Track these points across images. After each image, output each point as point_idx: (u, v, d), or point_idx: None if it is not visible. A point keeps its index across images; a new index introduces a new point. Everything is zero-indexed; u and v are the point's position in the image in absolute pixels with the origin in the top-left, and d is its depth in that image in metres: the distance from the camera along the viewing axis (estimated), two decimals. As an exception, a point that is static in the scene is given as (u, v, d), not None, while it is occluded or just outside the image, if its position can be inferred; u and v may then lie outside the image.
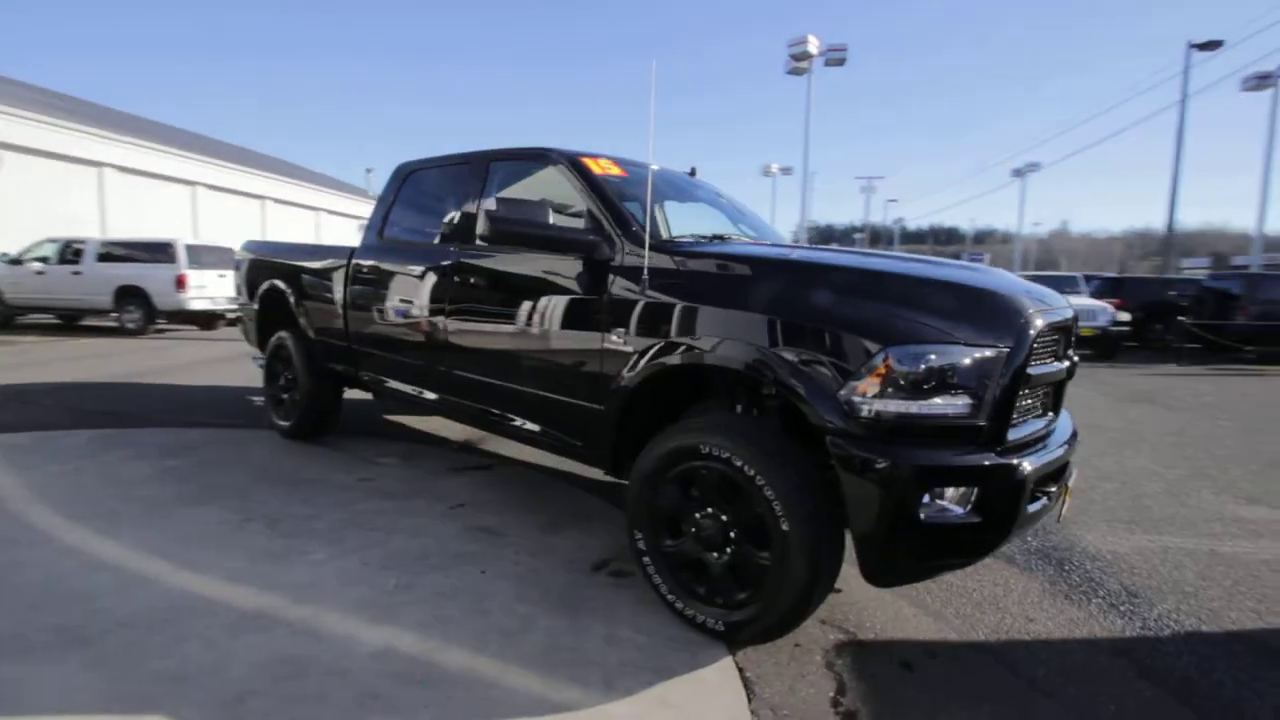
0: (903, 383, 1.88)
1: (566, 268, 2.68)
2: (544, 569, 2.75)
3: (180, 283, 11.92)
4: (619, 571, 2.76)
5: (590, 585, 2.65)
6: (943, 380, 1.88)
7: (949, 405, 1.89)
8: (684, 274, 2.38)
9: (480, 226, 2.56)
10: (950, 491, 1.89)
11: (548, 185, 3.06)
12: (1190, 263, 38.91)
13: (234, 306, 12.99)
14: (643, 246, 2.52)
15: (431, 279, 3.33)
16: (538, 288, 2.78)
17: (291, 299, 4.43)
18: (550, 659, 2.12)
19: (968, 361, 1.90)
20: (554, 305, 2.73)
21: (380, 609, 2.37)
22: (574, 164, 2.87)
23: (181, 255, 12.03)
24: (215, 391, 6.46)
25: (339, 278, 4.00)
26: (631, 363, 2.41)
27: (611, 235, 2.61)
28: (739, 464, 2.10)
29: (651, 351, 2.34)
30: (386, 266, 3.69)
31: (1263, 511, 3.79)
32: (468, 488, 3.74)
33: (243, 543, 2.88)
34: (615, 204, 2.69)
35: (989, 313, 1.99)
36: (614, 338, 2.47)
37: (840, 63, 19.18)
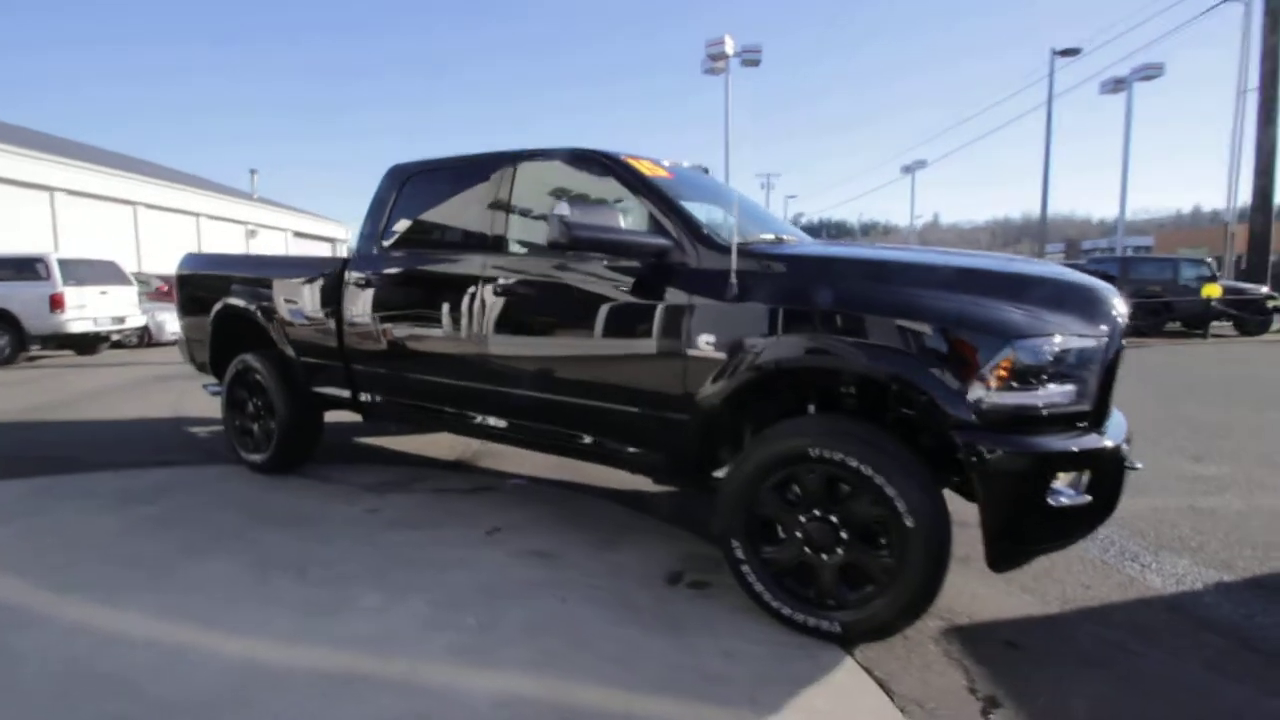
0: (1025, 375, 1.96)
1: (633, 274, 2.58)
2: (622, 589, 2.66)
3: (55, 303, 10.51)
4: (697, 583, 2.72)
5: (675, 600, 2.58)
6: (1057, 370, 1.99)
7: (1062, 394, 2.00)
8: (775, 276, 2.36)
9: (553, 232, 2.42)
10: (1065, 475, 2.00)
11: (579, 186, 2.95)
12: (1050, 248, 43.37)
13: (125, 326, 11.65)
14: (714, 249, 2.48)
15: (462, 289, 3.11)
16: (602, 296, 2.67)
17: (262, 317, 4.01)
18: (679, 682, 2.05)
19: (1077, 351, 2.01)
20: (622, 313, 2.63)
21: (477, 652, 2.20)
22: (625, 166, 2.77)
23: (55, 271, 10.60)
24: (143, 425, 5.74)
25: (329, 292, 3.66)
26: (723, 369, 2.37)
27: (680, 239, 2.54)
28: (855, 465, 2.12)
29: (750, 357, 2.31)
30: (396, 278, 3.42)
31: (1213, 468, 4.29)
32: (491, 510, 3.54)
33: (279, 596, 2.58)
34: (678, 206, 2.62)
35: (1088, 304, 2.11)
36: (702, 345, 2.41)
37: (755, 63, 19.85)
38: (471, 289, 3.08)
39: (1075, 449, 1.97)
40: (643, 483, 3.93)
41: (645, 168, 2.81)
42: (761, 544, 2.36)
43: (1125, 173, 21.76)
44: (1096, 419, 2.07)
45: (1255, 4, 14.03)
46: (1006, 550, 2.04)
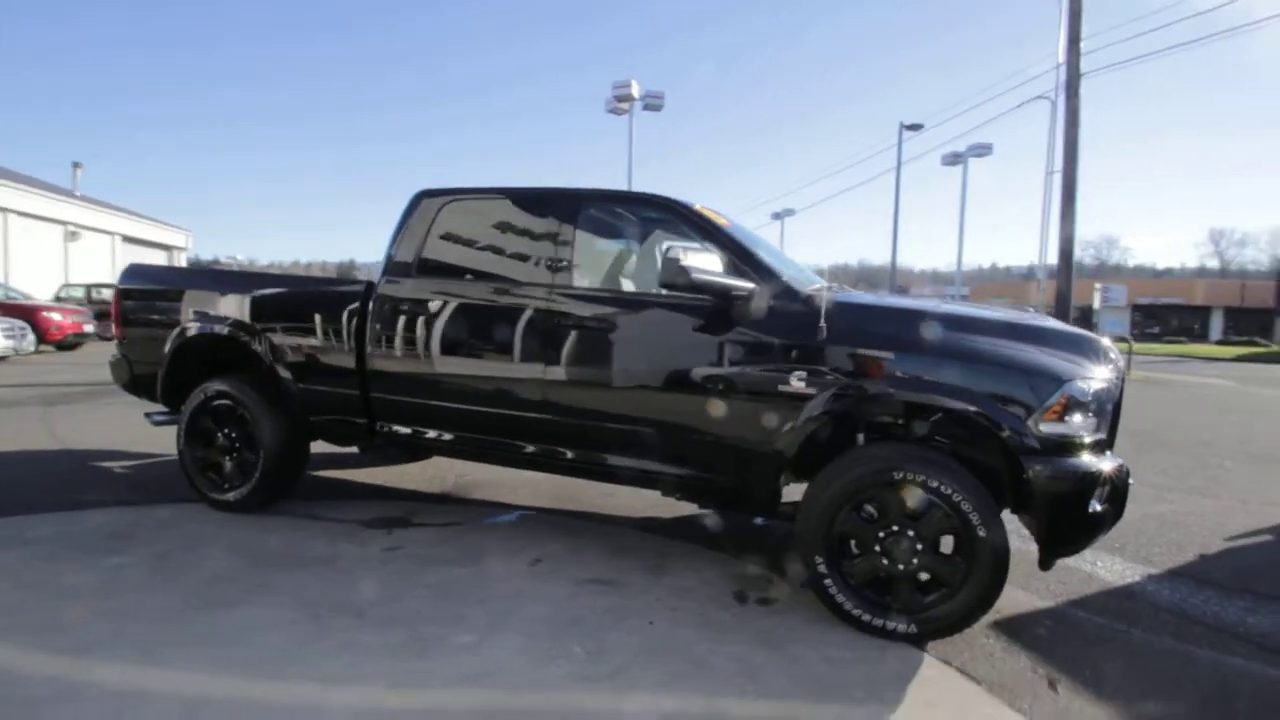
0: (1071, 410, 2.43)
1: (721, 315, 2.79)
2: (699, 610, 2.79)
3: None
4: (762, 600, 2.92)
5: (752, 617, 2.77)
6: (1090, 406, 2.48)
7: (1092, 425, 2.49)
8: (860, 322, 2.68)
9: (670, 274, 2.56)
10: (1099, 489, 2.48)
11: (645, 231, 3.12)
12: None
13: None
14: (792, 294, 2.77)
15: (528, 323, 3.12)
16: (693, 335, 2.85)
17: (255, 340, 3.67)
18: (805, 690, 2.24)
19: (1103, 391, 2.52)
20: (712, 351, 2.81)
21: (604, 679, 2.24)
22: (700, 215, 3.00)
23: None
24: (28, 460, 4.87)
25: (350, 317, 3.47)
26: (815, 405, 2.63)
27: (762, 284, 2.80)
28: (935, 485, 2.47)
29: (841, 392, 2.60)
30: (445, 307, 3.33)
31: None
32: (515, 542, 3.50)
33: (351, 641, 2.43)
34: (756, 255, 2.88)
35: (1104, 353, 2.64)
36: (793, 381, 2.66)
37: (658, 108, 20.85)
38: (540, 322, 3.10)
39: (1106, 468, 2.46)
40: (650, 509, 4.09)
41: (715, 217, 3.04)
42: (841, 559, 2.63)
43: (961, 233, 26.05)
44: (1110, 445, 2.60)
45: (1060, 102, 17.08)
46: (1057, 551, 2.49)
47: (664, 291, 2.83)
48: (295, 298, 3.71)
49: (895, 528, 2.56)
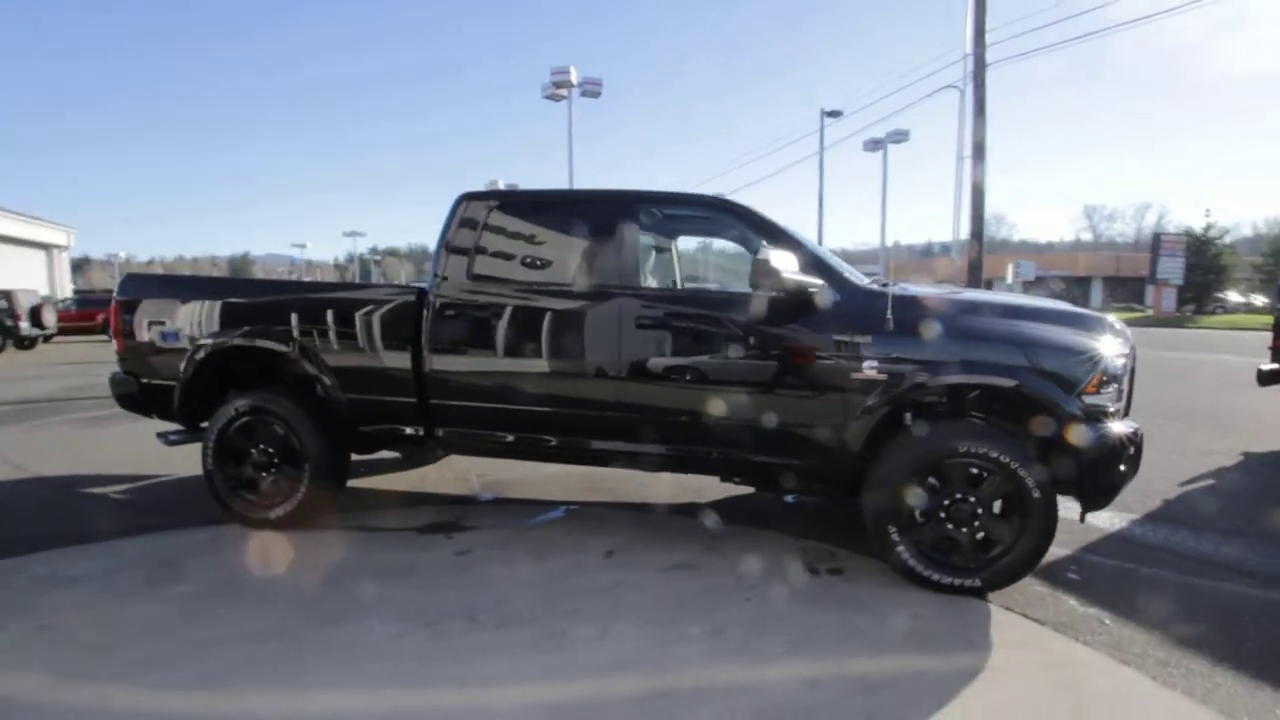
0: (1105, 383, 2.82)
1: (795, 310, 3.00)
2: (783, 584, 3.03)
3: None
4: (833, 570, 3.19)
5: (832, 585, 3.03)
6: (1117, 379, 2.88)
7: (1117, 395, 2.89)
8: (921, 314, 2.96)
9: (760, 275, 2.75)
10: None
11: (704, 231, 3.27)
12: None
13: None
14: (857, 289, 3.03)
15: (600, 322, 3.23)
16: (770, 330, 3.05)
17: (298, 350, 3.57)
18: (913, 644, 2.52)
19: (1124, 366, 2.92)
20: (790, 345, 3.03)
21: (734, 654, 2.44)
22: (760, 216, 3.19)
23: None
24: (3, 491, 4.46)
25: (406, 322, 3.44)
26: (885, 389, 2.90)
27: (829, 282, 3.04)
28: (996, 455, 2.80)
29: (914, 378, 2.88)
30: (505, 309, 3.37)
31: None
32: (584, 534, 3.63)
33: (481, 644, 2.50)
34: (817, 253, 3.11)
35: (1121, 332, 3.05)
36: (866, 369, 2.92)
37: (596, 95, 20.65)
38: (613, 323, 3.21)
39: (1130, 431, 2.88)
40: (678, 495, 4.28)
41: (773, 218, 3.24)
42: (911, 527, 2.93)
43: (884, 217, 27.65)
44: (1126, 411, 3.02)
45: (968, 91, 18.27)
46: (1093, 505, 2.89)
47: (735, 290, 3.02)
48: (339, 305, 3.62)
49: (958, 495, 2.88)
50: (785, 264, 2.89)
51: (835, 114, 22.99)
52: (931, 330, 2.91)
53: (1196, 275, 33.21)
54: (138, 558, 3.27)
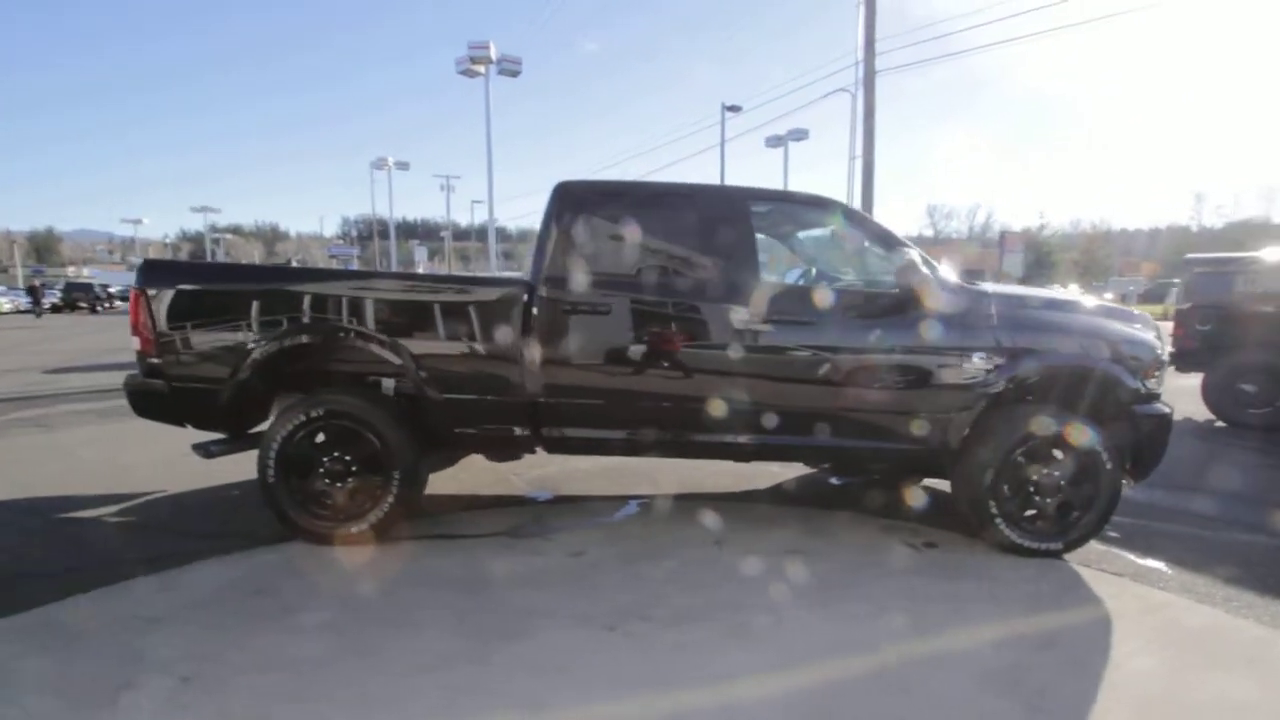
0: (1158, 369, 3.34)
1: (918, 304, 3.24)
2: (896, 560, 3.30)
3: None
4: (928, 544, 3.51)
5: (936, 558, 3.34)
6: (1163, 366, 3.42)
7: (1160, 380, 3.44)
8: (1019, 307, 3.32)
9: (911, 277, 2.94)
10: (1167, 425, 3.45)
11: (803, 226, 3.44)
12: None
13: None
14: (952, 288, 3.33)
15: (719, 318, 3.27)
16: (894, 324, 3.28)
17: (387, 347, 3.28)
18: (1028, 603, 2.87)
19: (1164, 355, 3.47)
20: (911, 336, 3.26)
21: (911, 630, 2.65)
22: (861, 215, 3.41)
23: None
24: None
25: (513, 319, 3.27)
26: (992, 379, 3.23)
27: (934, 279, 3.31)
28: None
29: (1013, 366, 3.23)
30: (623, 306, 3.33)
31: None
32: (679, 527, 3.69)
33: (677, 642, 2.52)
34: (923, 254, 3.35)
35: (1155, 326, 3.60)
36: (978, 361, 3.23)
37: (514, 74, 19.59)
38: (734, 316, 3.27)
39: (1169, 410, 3.43)
40: (736, 485, 4.46)
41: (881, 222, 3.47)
42: (1005, 500, 3.30)
43: None
44: (1160, 394, 3.58)
45: (859, 96, 19.79)
46: (1147, 470, 3.42)
47: (854, 285, 3.22)
48: (436, 299, 3.37)
49: (1045, 470, 3.29)
50: (925, 264, 3.13)
51: (735, 108, 23.97)
52: (1030, 324, 3.29)
53: (1031, 268, 38.66)
54: (215, 589, 2.88)
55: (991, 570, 3.18)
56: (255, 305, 3.33)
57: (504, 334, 3.29)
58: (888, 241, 3.41)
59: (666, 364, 3.32)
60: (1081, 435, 3.22)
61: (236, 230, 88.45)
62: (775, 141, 26.04)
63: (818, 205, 3.51)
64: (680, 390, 3.33)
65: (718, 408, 3.29)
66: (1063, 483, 3.30)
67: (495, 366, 3.32)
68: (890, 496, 4.17)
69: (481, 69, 18.11)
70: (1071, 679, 2.33)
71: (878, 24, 19.05)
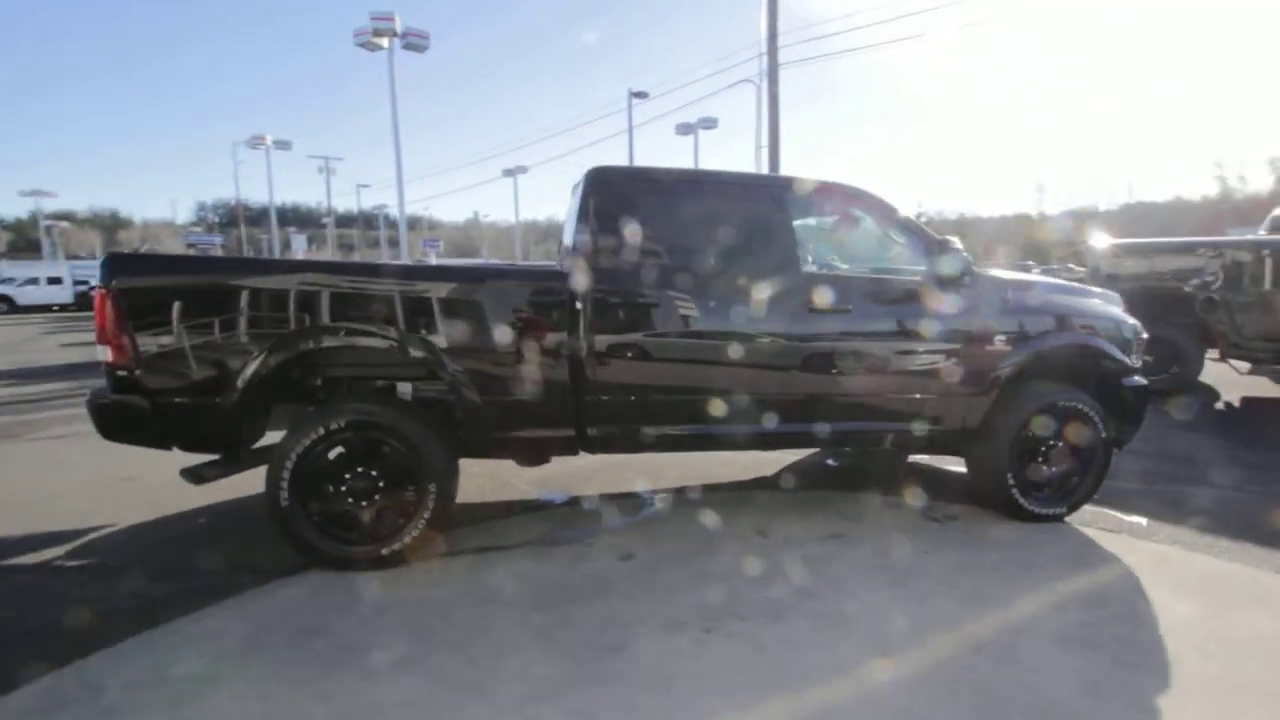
0: (1139, 346, 3.73)
1: (953, 289, 3.39)
2: (933, 536, 3.46)
3: None
4: (948, 517, 3.71)
5: (959, 530, 3.55)
6: (1142, 342, 3.80)
7: (1140, 356, 3.83)
8: (1030, 292, 3.56)
9: (957, 265, 3.05)
10: (1146, 395, 3.84)
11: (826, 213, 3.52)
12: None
13: None
14: (977, 275, 3.53)
15: (768, 309, 3.24)
16: (932, 312, 3.39)
17: (421, 349, 2.99)
18: (1052, 566, 3.12)
19: (1143, 332, 3.86)
20: (946, 321, 3.39)
21: (974, 599, 2.80)
22: (887, 204, 3.49)
23: None
24: None
25: (560, 311, 3.10)
26: (1015, 358, 3.44)
27: (966, 269, 3.48)
28: (1082, 407, 3.54)
29: (1033, 347, 3.47)
30: (670, 299, 3.24)
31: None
32: (708, 522, 3.64)
33: (782, 639, 2.51)
34: (944, 241, 3.49)
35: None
36: (998, 342, 3.43)
37: (420, 49, 18.05)
38: (785, 308, 3.26)
39: (1147, 382, 3.83)
40: (744, 472, 4.52)
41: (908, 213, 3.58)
42: (1018, 470, 3.56)
43: None
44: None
45: (763, 87, 20.49)
46: (1130, 436, 3.79)
47: (894, 274, 3.33)
48: (471, 294, 3.11)
49: (1052, 441, 3.57)
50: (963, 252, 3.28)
51: (642, 95, 23.98)
52: (1041, 308, 3.55)
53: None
54: (250, 634, 2.51)
55: (1015, 537, 3.42)
56: (257, 304, 2.91)
57: (550, 329, 3.10)
58: (922, 232, 3.55)
59: (722, 355, 3.26)
60: (1085, 408, 3.53)
61: (68, 216, 76.89)
62: (685, 129, 26.39)
63: (844, 195, 3.57)
64: (739, 381, 3.30)
65: (774, 398, 3.30)
66: (1068, 452, 3.60)
67: (540, 364, 3.11)
68: (885, 474, 4.38)
69: (384, 42, 16.73)
70: (1133, 630, 2.56)
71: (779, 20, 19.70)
